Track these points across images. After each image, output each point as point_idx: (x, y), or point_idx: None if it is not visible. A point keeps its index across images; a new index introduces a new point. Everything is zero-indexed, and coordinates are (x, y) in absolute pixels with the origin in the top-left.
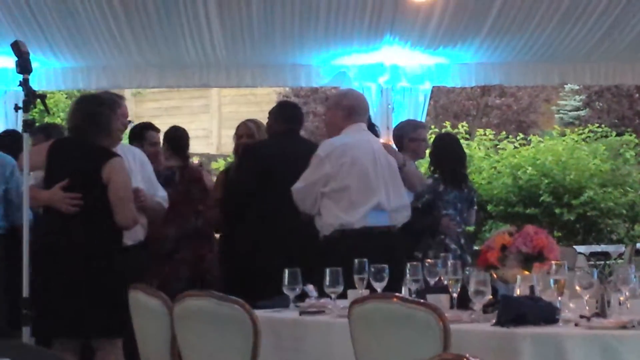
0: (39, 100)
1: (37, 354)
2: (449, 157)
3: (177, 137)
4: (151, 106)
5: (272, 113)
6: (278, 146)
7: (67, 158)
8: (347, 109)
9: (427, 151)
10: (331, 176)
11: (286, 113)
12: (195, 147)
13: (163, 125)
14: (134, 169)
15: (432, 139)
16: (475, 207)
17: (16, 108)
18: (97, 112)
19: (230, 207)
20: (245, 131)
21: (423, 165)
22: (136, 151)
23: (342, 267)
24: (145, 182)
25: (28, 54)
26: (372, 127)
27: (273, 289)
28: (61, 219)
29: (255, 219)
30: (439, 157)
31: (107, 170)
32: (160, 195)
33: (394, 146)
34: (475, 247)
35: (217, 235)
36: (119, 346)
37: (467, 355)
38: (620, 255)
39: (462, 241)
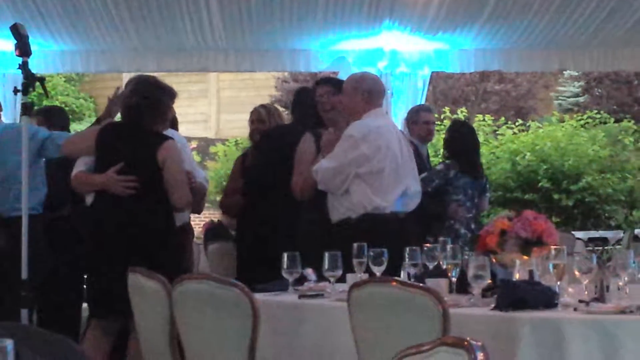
0: (38, 83)
1: (39, 336)
2: (465, 145)
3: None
4: None
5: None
6: (291, 131)
7: (121, 142)
8: (367, 93)
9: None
10: (367, 158)
11: (298, 99)
12: (194, 131)
13: None
14: None
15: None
16: (488, 194)
17: (15, 91)
18: (159, 99)
19: (252, 191)
20: (256, 116)
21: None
22: (176, 134)
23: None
24: (187, 164)
25: (27, 37)
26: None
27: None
28: (116, 202)
29: (276, 201)
30: (454, 144)
31: (162, 153)
32: (201, 176)
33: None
34: None
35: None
36: None
37: (469, 338)
38: (619, 241)
39: (473, 226)
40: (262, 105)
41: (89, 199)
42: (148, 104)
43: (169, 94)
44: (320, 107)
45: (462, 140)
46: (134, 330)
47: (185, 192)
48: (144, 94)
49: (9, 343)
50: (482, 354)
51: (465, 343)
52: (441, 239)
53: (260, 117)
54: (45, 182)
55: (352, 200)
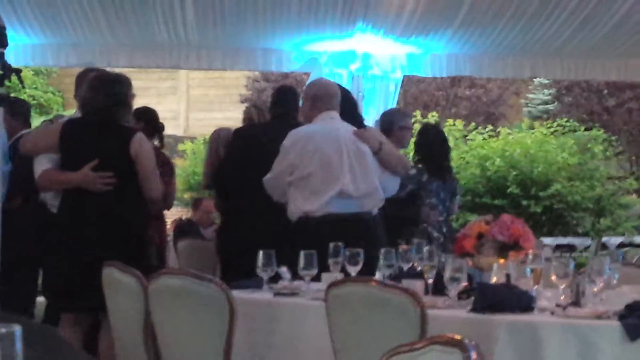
0: (13, 74)
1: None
2: (435, 148)
3: (153, 118)
4: None
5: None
6: (262, 131)
7: (89, 138)
8: (312, 98)
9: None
10: (295, 165)
11: (275, 97)
12: None
13: None
14: None
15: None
16: (458, 197)
17: None
18: (123, 93)
19: (216, 187)
20: (246, 115)
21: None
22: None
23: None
24: None
25: (4, 27)
26: (354, 116)
27: (240, 270)
28: (92, 198)
29: (235, 200)
30: (424, 148)
31: (134, 146)
32: None
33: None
34: None
35: None
36: None
37: (462, 337)
38: (586, 249)
39: (445, 229)
40: (255, 105)
41: (46, 195)
42: (117, 102)
43: (128, 84)
44: None
45: (432, 144)
46: (106, 326)
47: (158, 184)
48: (109, 92)
49: (17, 328)
50: (475, 353)
51: (460, 342)
52: (416, 240)
53: (250, 116)
54: None
55: (289, 207)
